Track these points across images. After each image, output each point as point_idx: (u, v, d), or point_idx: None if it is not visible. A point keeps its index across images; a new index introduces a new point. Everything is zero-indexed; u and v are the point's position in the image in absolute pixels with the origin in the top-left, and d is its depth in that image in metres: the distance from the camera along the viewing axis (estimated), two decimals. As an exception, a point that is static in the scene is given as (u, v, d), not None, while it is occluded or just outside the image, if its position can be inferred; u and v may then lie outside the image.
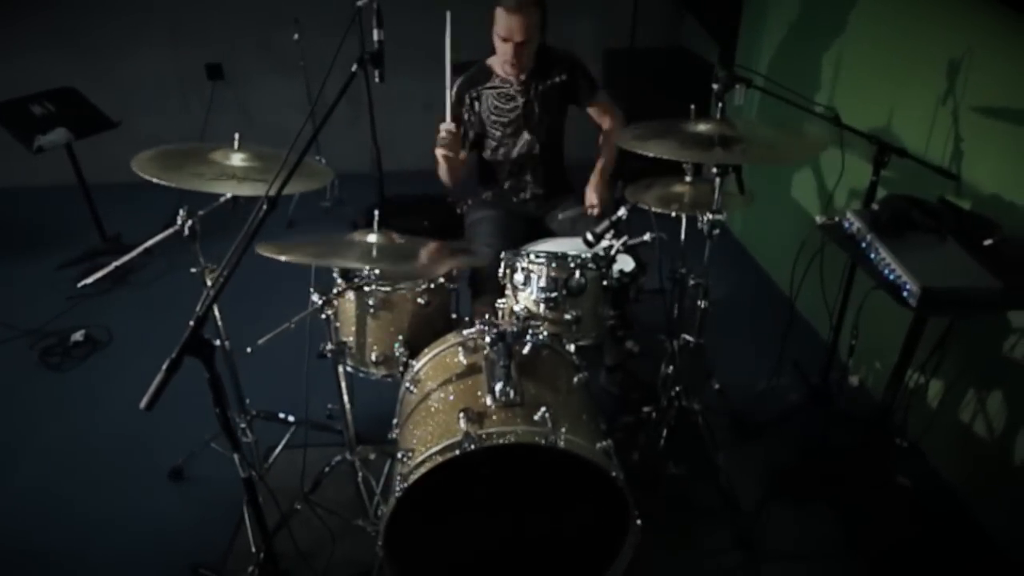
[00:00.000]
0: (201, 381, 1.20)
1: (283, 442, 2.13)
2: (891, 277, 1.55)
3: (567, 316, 1.67)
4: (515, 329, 1.47)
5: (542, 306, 1.67)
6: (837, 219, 1.83)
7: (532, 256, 1.70)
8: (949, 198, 1.94)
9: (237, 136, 1.68)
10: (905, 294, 1.49)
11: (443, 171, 2.25)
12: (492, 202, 2.45)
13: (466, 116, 2.29)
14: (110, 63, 4.29)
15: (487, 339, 1.48)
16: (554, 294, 1.65)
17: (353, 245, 1.66)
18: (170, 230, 1.65)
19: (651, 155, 1.53)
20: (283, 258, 1.49)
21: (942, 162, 2.02)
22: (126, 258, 1.65)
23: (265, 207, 1.24)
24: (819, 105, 1.92)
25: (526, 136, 2.31)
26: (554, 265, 1.68)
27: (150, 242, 1.65)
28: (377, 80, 1.37)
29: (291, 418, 2.18)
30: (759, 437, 2.21)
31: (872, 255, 1.65)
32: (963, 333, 1.93)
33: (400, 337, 1.85)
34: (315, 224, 3.97)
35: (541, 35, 2.14)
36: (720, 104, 1.74)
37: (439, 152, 2.11)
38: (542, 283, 1.64)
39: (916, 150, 2.06)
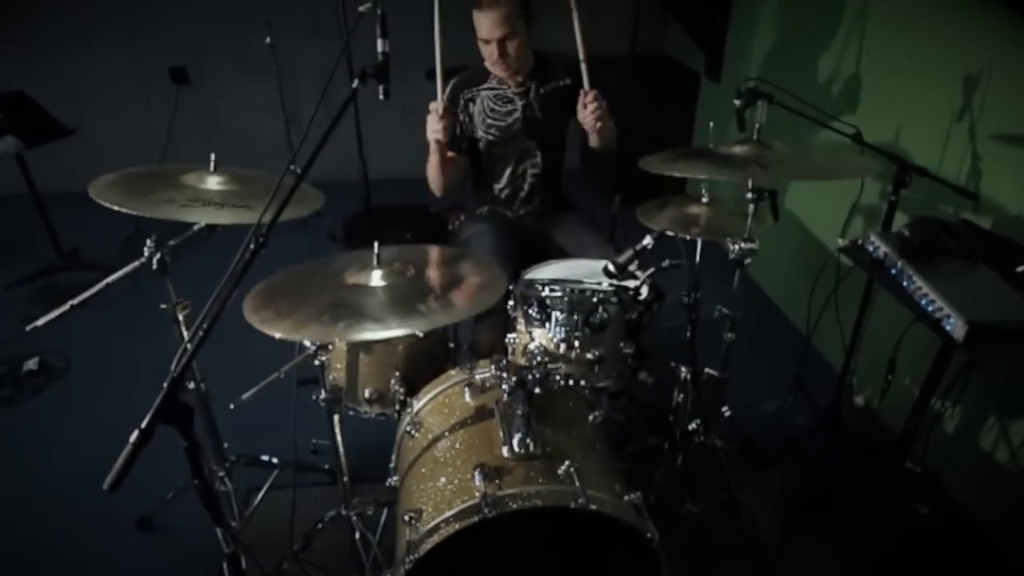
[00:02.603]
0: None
1: (266, 486, 1.95)
2: (929, 309, 1.46)
3: (589, 356, 1.53)
4: (537, 375, 1.32)
5: (562, 346, 1.52)
6: (860, 242, 1.74)
7: (549, 288, 1.54)
8: (966, 216, 1.87)
9: (213, 157, 1.50)
10: (948, 328, 1.40)
11: (433, 174, 2.10)
12: (487, 216, 2.30)
13: (461, 118, 2.14)
14: (63, 65, 4.00)
15: (504, 387, 1.33)
16: (576, 333, 1.50)
17: (359, 292, 1.45)
18: (136, 263, 1.47)
19: (671, 174, 1.40)
20: (278, 335, 1.27)
21: (958, 180, 1.95)
22: (85, 296, 1.45)
23: (253, 246, 1.08)
24: (839, 121, 1.82)
25: (525, 142, 2.17)
26: (575, 299, 1.53)
27: (112, 277, 1.46)
28: (381, 97, 1.21)
29: (275, 460, 2.00)
30: (772, 465, 2.12)
31: (905, 283, 1.56)
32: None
33: (396, 373, 1.69)
34: (291, 240, 3.76)
35: (527, 30, 1.99)
36: (741, 120, 1.63)
37: (432, 137, 1.96)
38: (562, 320, 1.49)
39: (929, 167, 1.99)
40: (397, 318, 1.33)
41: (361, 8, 1.13)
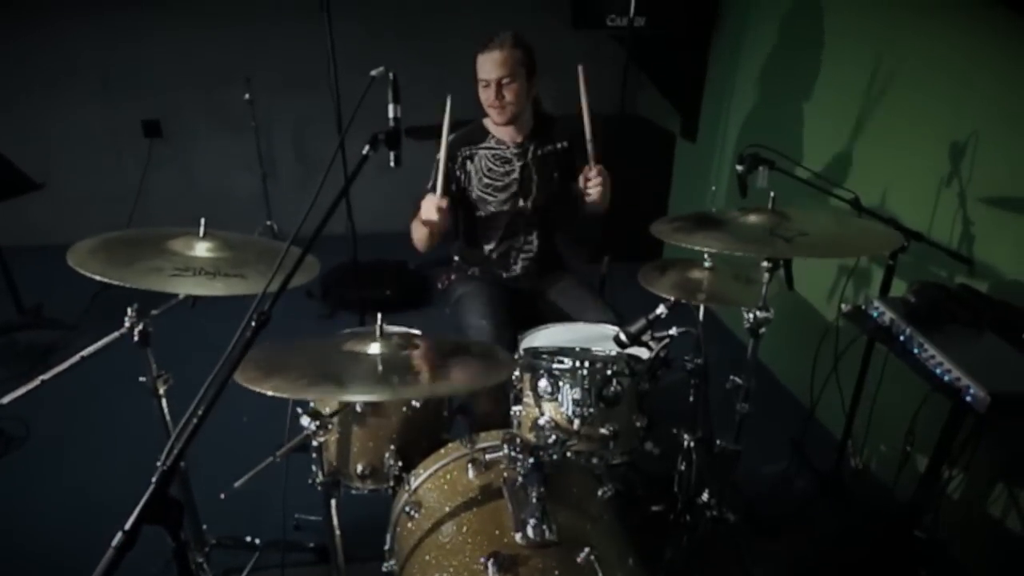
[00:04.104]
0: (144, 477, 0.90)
1: (248, 568, 1.79)
2: (946, 379, 1.44)
3: (603, 431, 1.46)
4: (554, 455, 1.24)
5: (576, 421, 1.44)
6: (864, 307, 1.73)
7: (557, 360, 1.47)
8: (961, 281, 1.88)
9: (203, 222, 1.41)
10: (969, 399, 1.37)
11: (419, 236, 2.06)
12: (479, 277, 2.24)
13: (457, 174, 2.12)
14: (31, 116, 3.89)
15: (519, 468, 1.24)
16: (591, 409, 1.43)
17: (357, 360, 1.37)
18: (115, 334, 1.36)
19: (689, 246, 1.37)
20: (270, 392, 1.18)
21: (948, 245, 1.97)
22: (58, 371, 1.33)
23: (255, 323, 1.00)
24: (839, 187, 1.84)
25: (521, 203, 2.14)
26: (587, 372, 1.46)
27: (88, 351, 1.34)
28: (392, 164, 1.16)
29: (257, 540, 1.85)
30: (777, 534, 2.04)
31: (916, 350, 1.54)
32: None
33: (391, 446, 1.59)
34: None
35: (528, 82, 2.00)
36: (743, 185, 1.62)
37: (426, 218, 1.92)
38: (575, 395, 1.42)
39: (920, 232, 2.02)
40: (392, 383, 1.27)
41: (373, 73, 1.09)
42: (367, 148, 1.10)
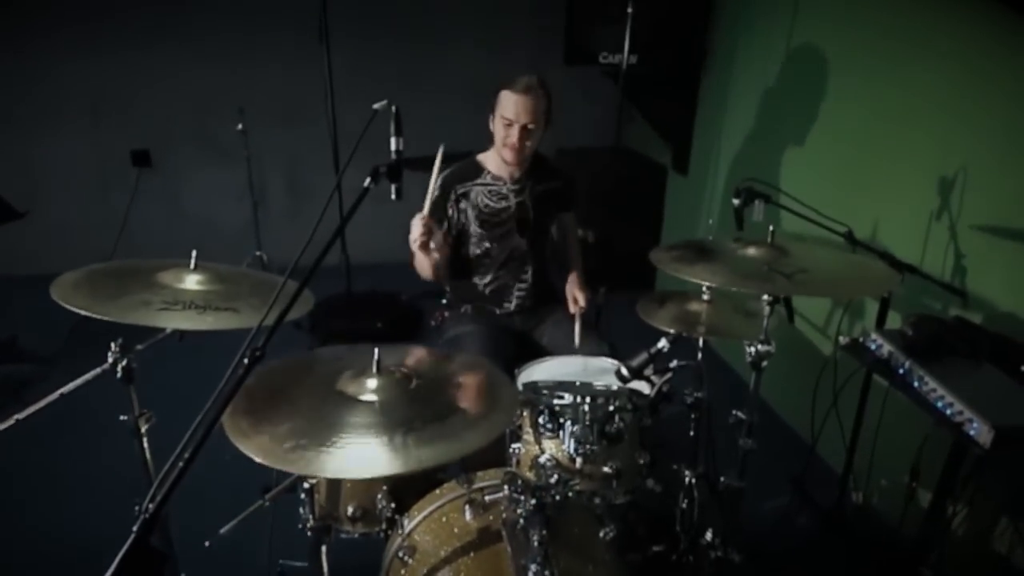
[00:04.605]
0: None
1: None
2: (948, 412, 1.42)
3: (606, 469, 1.41)
4: (557, 496, 1.19)
5: (578, 460, 1.39)
6: (862, 340, 1.72)
7: (558, 395, 1.44)
8: (955, 313, 1.88)
9: (195, 254, 1.38)
10: (972, 433, 1.36)
11: (421, 266, 2.04)
12: (473, 315, 2.21)
13: (450, 212, 2.11)
14: (19, 146, 3.85)
15: (521, 511, 1.19)
16: (594, 446, 1.39)
17: (352, 410, 1.26)
18: (97, 371, 1.31)
19: (689, 278, 1.35)
20: (258, 459, 1.11)
21: (941, 277, 1.98)
22: (34, 408, 1.27)
23: (248, 360, 0.96)
24: (831, 220, 1.84)
25: (516, 239, 2.13)
26: (589, 408, 1.42)
27: (68, 388, 1.29)
28: (394, 197, 1.14)
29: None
30: (779, 574, 1.99)
31: (916, 383, 1.53)
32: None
33: (384, 486, 1.53)
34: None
35: (546, 128, 2.02)
36: (740, 219, 1.62)
37: (413, 244, 1.88)
38: (577, 431, 1.38)
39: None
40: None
41: (376, 106, 1.08)
42: (368, 180, 1.08)
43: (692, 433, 1.86)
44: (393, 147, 1.13)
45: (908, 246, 2.06)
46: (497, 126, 2.00)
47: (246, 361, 0.96)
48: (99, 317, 1.16)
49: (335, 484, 1.56)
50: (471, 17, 4.01)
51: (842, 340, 1.72)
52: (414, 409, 1.27)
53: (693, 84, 3.59)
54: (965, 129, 1.93)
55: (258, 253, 3.87)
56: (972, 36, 1.91)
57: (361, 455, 1.13)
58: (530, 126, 1.95)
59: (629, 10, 2.93)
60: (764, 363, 1.48)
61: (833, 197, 2.48)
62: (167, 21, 3.73)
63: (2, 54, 3.67)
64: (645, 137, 4.10)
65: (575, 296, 2.10)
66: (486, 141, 2.11)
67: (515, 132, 1.95)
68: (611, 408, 1.41)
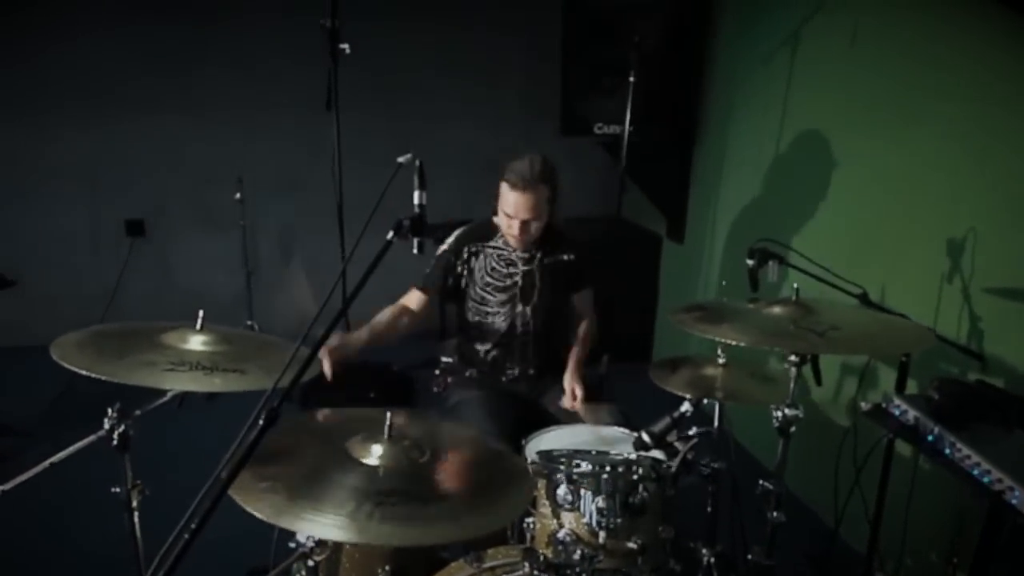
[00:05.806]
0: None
1: None
2: (986, 480, 1.36)
3: (631, 545, 1.31)
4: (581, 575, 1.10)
5: (601, 534, 1.30)
6: (884, 405, 1.67)
7: (576, 464, 1.35)
8: (976, 377, 1.85)
9: (201, 314, 1.33)
10: (1014, 502, 1.29)
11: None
12: (477, 380, 2.15)
13: (459, 269, 2.10)
14: (12, 214, 3.81)
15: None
16: (617, 519, 1.30)
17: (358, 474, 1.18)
18: (92, 437, 1.22)
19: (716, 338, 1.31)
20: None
21: (957, 340, 1.96)
22: (19, 481, 1.18)
23: (263, 422, 0.89)
24: (846, 281, 1.83)
25: (520, 308, 2.10)
26: (611, 477, 1.34)
27: (59, 456, 1.20)
28: (416, 251, 1.11)
29: None
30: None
31: (947, 450, 1.47)
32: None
33: (386, 567, 1.42)
34: (239, 398, 3.45)
35: (551, 209, 2.02)
36: (755, 280, 1.60)
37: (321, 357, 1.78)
38: (600, 503, 1.29)
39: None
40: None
41: (400, 159, 1.06)
42: (391, 234, 1.05)
43: (710, 508, 1.78)
44: (416, 201, 1.11)
45: (921, 309, 2.05)
46: (500, 213, 2.02)
47: (261, 422, 0.89)
48: (103, 378, 1.10)
49: (333, 565, 1.46)
50: (470, 92, 4.10)
51: (863, 406, 1.67)
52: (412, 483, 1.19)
53: (687, 151, 3.68)
54: (970, 191, 1.96)
55: (249, 323, 3.80)
56: (973, 96, 1.95)
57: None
58: (530, 220, 1.97)
59: (631, 79, 3.00)
60: (792, 428, 1.43)
61: (840, 260, 2.49)
62: (168, 91, 3.77)
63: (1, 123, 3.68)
64: (639, 206, 4.16)
65: (573, 389, 2.00)
66: (488, 208, 2.11)
67: (516, 224, 1.98)
68: (634, 477, 1.33)
